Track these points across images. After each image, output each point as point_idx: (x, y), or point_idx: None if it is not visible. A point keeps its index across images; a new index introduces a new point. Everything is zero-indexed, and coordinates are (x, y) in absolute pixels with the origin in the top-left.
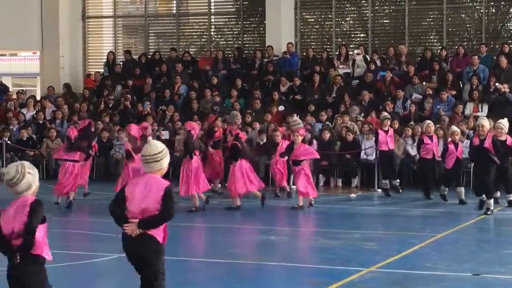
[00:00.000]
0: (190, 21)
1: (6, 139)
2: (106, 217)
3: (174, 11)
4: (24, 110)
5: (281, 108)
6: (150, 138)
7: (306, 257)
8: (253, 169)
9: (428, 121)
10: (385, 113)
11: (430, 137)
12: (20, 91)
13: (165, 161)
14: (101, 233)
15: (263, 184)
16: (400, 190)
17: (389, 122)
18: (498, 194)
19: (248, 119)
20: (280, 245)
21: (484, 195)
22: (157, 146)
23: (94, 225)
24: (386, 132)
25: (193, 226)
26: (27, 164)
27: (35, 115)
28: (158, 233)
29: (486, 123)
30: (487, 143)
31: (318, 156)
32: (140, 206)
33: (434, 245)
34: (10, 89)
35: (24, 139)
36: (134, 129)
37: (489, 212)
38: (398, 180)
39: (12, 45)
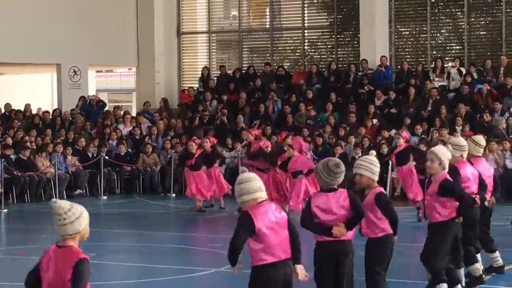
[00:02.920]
0: (284, 35)
1: (104, 154)
2: (201, 232)
3: (268, 26)
4: (121, 126)
5: (374, 121)
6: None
7: None
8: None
9: None
10: None
11: None
12: (117, 106)
13: None
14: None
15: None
16: None
17: None
18: None
19: (342, 133)
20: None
21: None
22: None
23: (191, 239)
24: None
25: None
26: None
27: (131, 131)
28: None
29: None
30: None
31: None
32: None
33: None
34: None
35: (122, 154)
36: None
37: None
38: None
39: (108, 61)
